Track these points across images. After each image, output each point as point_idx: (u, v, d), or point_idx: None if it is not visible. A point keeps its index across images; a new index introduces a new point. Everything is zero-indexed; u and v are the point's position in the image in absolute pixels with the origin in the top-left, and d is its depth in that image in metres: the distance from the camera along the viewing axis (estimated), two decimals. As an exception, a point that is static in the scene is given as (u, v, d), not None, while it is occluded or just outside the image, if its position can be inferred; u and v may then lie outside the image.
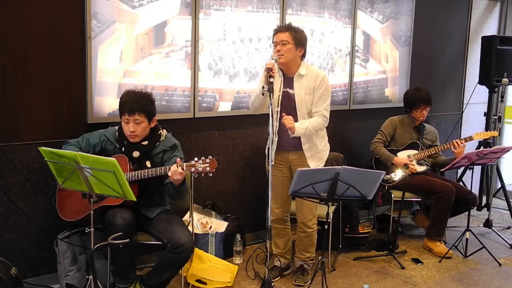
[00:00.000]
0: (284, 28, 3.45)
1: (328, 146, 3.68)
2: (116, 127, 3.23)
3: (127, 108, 3.05)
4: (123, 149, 3.15)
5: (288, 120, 3.29)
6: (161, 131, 3.24)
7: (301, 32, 3.46)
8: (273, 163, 3.60)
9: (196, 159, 2.93)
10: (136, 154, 3.13)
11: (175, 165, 2.91)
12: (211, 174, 2.93)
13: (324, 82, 3.47)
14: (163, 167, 3.00)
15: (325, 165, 3.93)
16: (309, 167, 3.51)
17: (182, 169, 2.90)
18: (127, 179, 2.72)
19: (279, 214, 3.67)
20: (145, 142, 3.15)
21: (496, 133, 4.69)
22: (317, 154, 3.58)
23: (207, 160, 2.91)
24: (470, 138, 4.47)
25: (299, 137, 3.51)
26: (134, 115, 3.05)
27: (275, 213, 3.65)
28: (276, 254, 3.79)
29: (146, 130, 3.12)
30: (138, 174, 3.02)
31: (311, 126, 3.41)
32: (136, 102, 3.06)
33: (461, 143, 4.31)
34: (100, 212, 3.01)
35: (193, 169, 2.91)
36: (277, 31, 3.44)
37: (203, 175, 2.94)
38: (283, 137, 3.51)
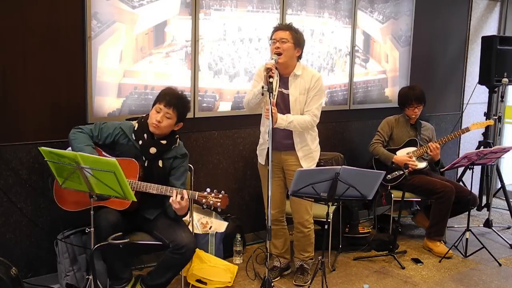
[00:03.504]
0: (285, 26, 3.45)
1: (319, 147, 3.69)
2: (136, 121, 3.21)
3: (167, 99, 3.09)
4: (140, 142, 3.13)
5: (268, 114, 3.14)
6: (177, 136, 3.25)
7: (300, 34, 3.47)
8: (263, 163, 3.61)
9: (208, 190, 2.95)
10: (153, 150, 3.11)
11: (176, 196, 2.92)
12: (220, 210, 2.97)
13: (319, 83, 3.48)
14: (169, 188, 2.99)
15: (325, 165, 3.93)
16: (302, 167, 3.50)
17: (182, 198, 2.91)
18: (132, 188, 2.71)
19: (274, 215, 3.67)
20: (164, 141, 3.15)
21: (491, 122, 4.72)
22: (310, 155, 3.58)
23: (220, 195, 2.93)
24: (467, 129, 4.48)
25: (292, 138, 3.51)
26: (170, 108, 3.08)
27: (271, 214, 3.64)
28: (275, 255, 3.79)
29: (169, 128, 3.14)
30: (142, 186, 2.99)
31: (296, 121, 3.39)
32: (178, 98, 3.13)
33: (436, 146, 4.32)
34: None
35: (203, 201, 2.94)
36: (277, 29, 3.44)
37: (212, 208, 2.96)
38: (276, 137, 3.50)
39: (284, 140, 3.52)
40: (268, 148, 3.48)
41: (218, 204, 2.92)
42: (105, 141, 3.15)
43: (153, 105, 3.15)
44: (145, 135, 3.13)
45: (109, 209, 3.01)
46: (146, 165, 3.11)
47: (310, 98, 3.46)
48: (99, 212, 2.97)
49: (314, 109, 3.46)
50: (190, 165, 3.36)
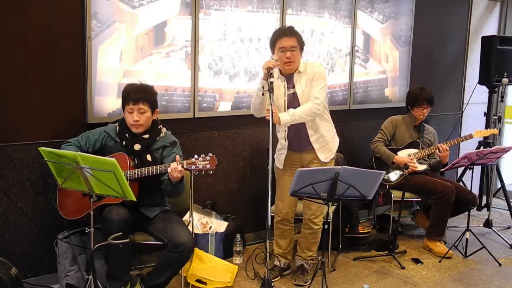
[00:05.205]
0: (290, 32, 3.43)
1: (337, 138, 3.69)
2: (117, 123, 3.25)
3: (132, 97, 3.10)
4: (124, 142, 3.16)
5: (268, 115, 3.16)
6: (161, 126, 3.27)
7: (301, 35, 3.49)
8: (281, 167, 3.62)
9: (196, 156, 2.94)
10: (137, 147, 3.14)
11: (175, 162, 2.92)
12: (211, 172, 2.94)
13: (320, 69, 3.49)
14: (163, 165, 3.01)
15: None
16: (318, 159, 3.52)
17: (182, 166, 2.91)
18: (126, 177, 2.72)
19: (286, 215, 3.67)
20: (146, 136, 3.18)
21: (496, 131, 4.70)
22: (326, 146, 3.58)
23: (207, 158, 2.92)
24: (470, 136, 4.47)
25: (308, 137, 3.52)
26: (138, 104, 3.09)
27: (283, 213, 3.66)
28: (278, 254, 3.79)
29: (149, 120, 3.16)
30: (137, 172, 3.03)
31: (299, 111, 3.37)
32: (141, 91, 3.13)
33: (445, 148, 4.32)
34: (100, 211, 3.01)
35: (193, 167, 2.92)
36: (282, 35, 3.41)
37: (203, 172, 2.95)
38: (295, 140, 3.54)
39: (298, 141, 3.54)
40: (287, 152, 3.56)
41: (208, 166, 2.91)
42: (94, 147, 3.19)
43: (122, 108, 3.18)
44: (127, 134, 3.17)
45: (118, 205, 3.02)
46: (136, 162, 3.13)
47: (313, 85, 3.45)
48: (109, 208, 3.01)
49: (315, 92, 3.42)
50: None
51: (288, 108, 3.45)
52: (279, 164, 3.64)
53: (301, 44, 3.44)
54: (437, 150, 4.37)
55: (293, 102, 3.48)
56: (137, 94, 3.10)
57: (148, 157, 3.16)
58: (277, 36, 3.44)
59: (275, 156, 3.68)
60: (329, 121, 3.62)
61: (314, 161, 3.56)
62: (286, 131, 3.53)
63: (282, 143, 3.57)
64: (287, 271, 3.84)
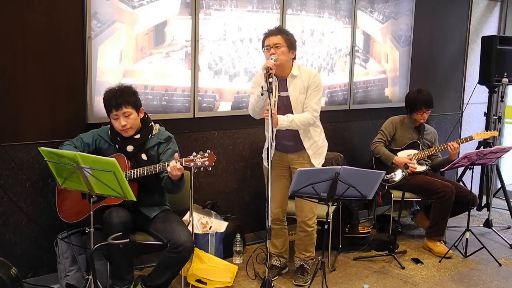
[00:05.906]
0: (276, 31, 3.46)
1: (326, 142, 3.70)
2: (108, 126, 3.25)
3: (113, 104, 3.09)
4: (117, 146, 3.17)
5: (267, 115, 3.17)
6: (152, 124, 3.26)
7: (291, 35, 3.49)
8: (269, 166, 3.62)
9: (194, 153, 2.95)
10: (130, 148, 3.14)
11: (174, 161, 2.92)
12: (210, 168, 2.95)
13: (317, 79, 3.48)
14: (161, 164, 3.01)
15: (325, 165, 3.93)
16: (311, 164, 3.53)
17: (181, 164, 2.91)
18: (126, 178, 2.72)
19: (277, 214, 3.68)
20: (137, 136, 3.18)
21: (496, 133, 4.70)
22: (318, 151, 3.60)
23: (206, 154, 2.93)
24: (471, 138, 4.47)
25: (294, 139, 3.52)
26: (121, 108, 3.08)
27: (274, 213, 3.66)
28: (274, 254, 3.79)
29: (136, 121, 3.16)
30: (136, 172, 3.03)
31: (297, 119, 3.40)
32: (120, 95, 3.11)
33: (457, 146, 4.33)
34: (100, 212, 3.01)
35: (192, 164, 2.93)
36: (268, 35, 3.44)
37: (202, 169, 2.96)
38: (280, 141, 3.53)
39: (287, 142, 3.55)
40: (274, 151, 3.54)
41: (206, 163, 2.92)
42: (89, 149, 3.19)
43: (108, 116, 3.18)
44: (118, 137, 3.18)
45: (118, 206, 3.03)
46: (132, 163, 3.12)
47: (309, 94, 3.47)
48: (109, 210, 3.01)
49: (313, 104, 3.46)
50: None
51: (277, 109, 3.45)
52: (267, 163, 3.64)
53: (288, 42, 3.42)
54: (449, 148, 4.35)
55: (285, 105, 3.48)
56: (117, 99, 3.09)
57: (143, 156, 3.16)
58: (264, 37, 3.47)
59: (262, 155, 3.70)
60: (319, 126, 3.64)
61: (304, 162, 3.55)
62: (275, 132, 3.53)
63: (270, 142, 3.55)
64: (284, 270, 3.85)
